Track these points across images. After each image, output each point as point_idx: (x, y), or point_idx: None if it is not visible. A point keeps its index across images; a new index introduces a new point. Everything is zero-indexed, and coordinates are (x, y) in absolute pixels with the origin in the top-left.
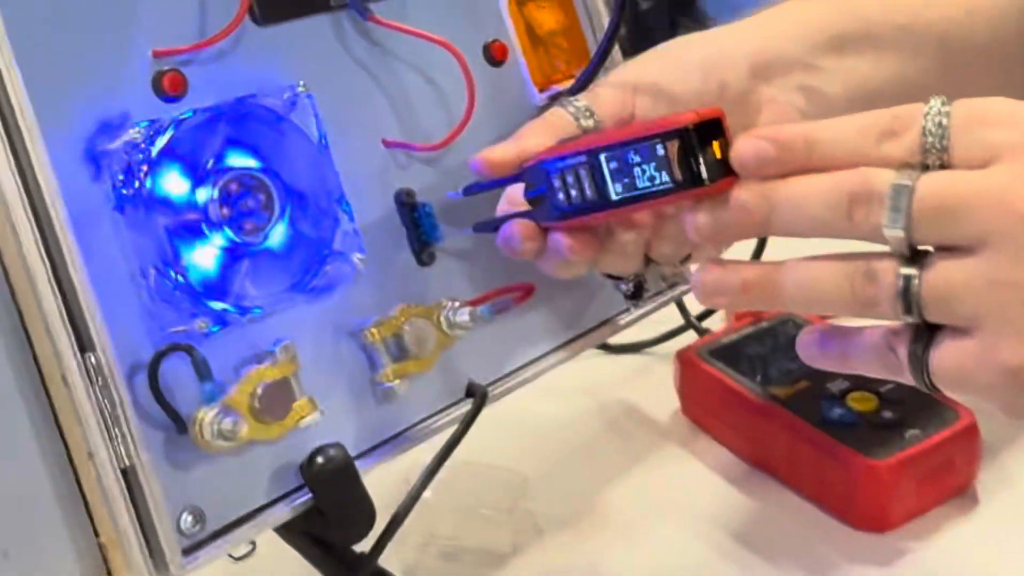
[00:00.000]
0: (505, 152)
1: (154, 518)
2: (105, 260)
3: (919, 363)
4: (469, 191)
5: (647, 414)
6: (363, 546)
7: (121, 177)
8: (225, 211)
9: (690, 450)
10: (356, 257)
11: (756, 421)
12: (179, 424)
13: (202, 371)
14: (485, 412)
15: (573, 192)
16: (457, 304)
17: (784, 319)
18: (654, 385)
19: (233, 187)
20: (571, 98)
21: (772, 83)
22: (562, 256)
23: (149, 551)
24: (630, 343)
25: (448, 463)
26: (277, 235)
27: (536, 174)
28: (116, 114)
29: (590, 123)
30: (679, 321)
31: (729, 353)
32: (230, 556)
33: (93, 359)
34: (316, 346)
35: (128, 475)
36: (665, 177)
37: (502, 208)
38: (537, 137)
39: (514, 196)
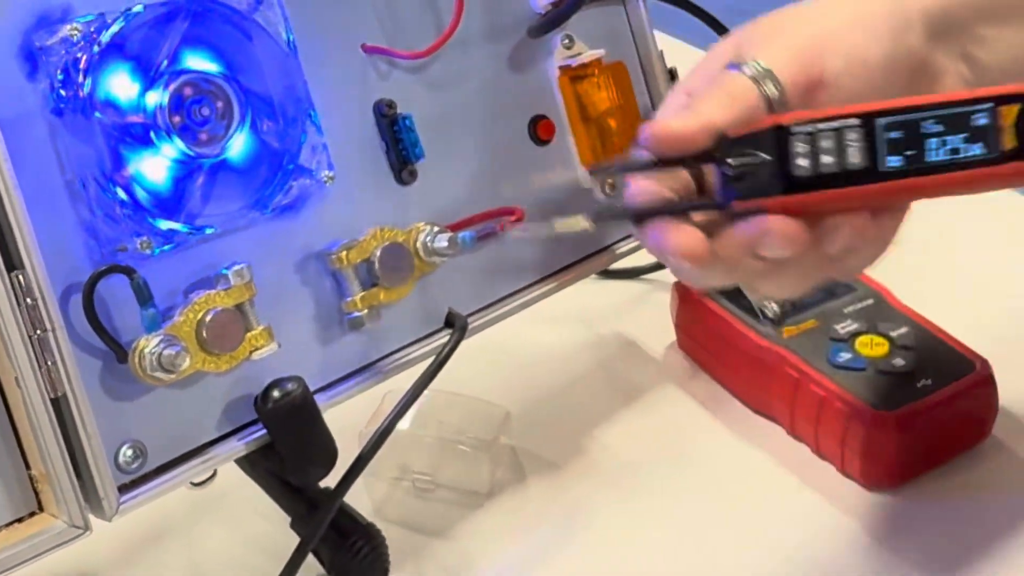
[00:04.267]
0: (686, 125)
1: (87, 451)
2: (39, 169)
3: None
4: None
5: (643, 347)
6: (329, 481)
7: (60, 76)
8: (176, 118)
9: (687, 390)
10: (324, 174)
11: (757, 362)
12: (119, 352)
13: (142, 295)
14: (470, 340)
15: (826, 159)
16: (436, 229)
17: None
18: (651, 315)
19: (187, 92)
20: (744, 59)
21: (942, 49)
22: (771, 242)
23: (81, 486)
24: (628, 268)
25: (427, 394)
26: (236, 147)
27: (758, 141)
28: (57, 6)
29: (773, 91)
30: None
31: (732, 286)
32: (190, 483)
33: (21, 278)
34: (278, 271)
35: (60, 405)
36: (977, 149)
37: (642, 193)
38: (718, 109)
39: (646, 186)
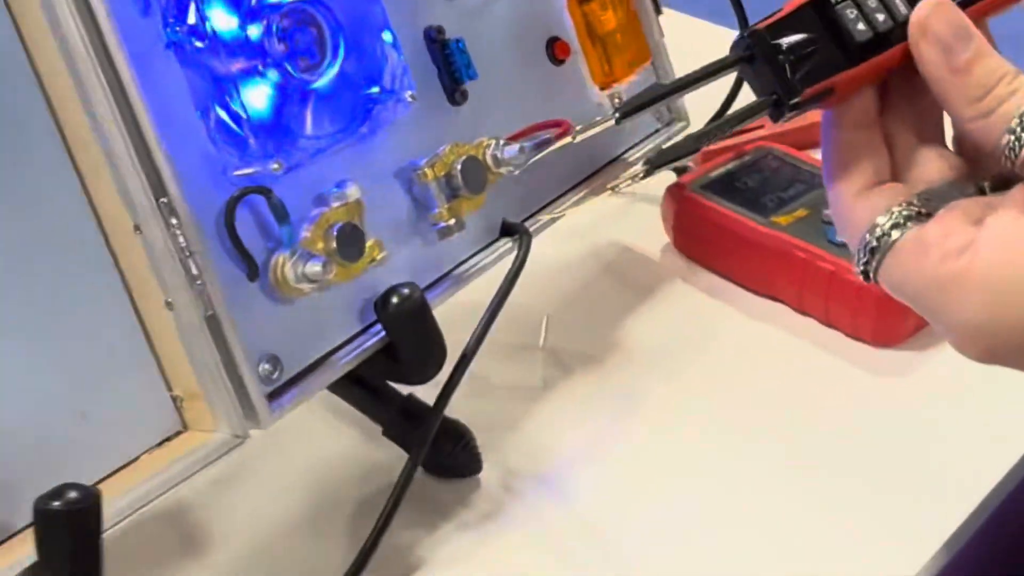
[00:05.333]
0: None
1: (240, 366)
2: (164, 101)
3: None
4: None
5: (640, 252)
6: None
7: (174, 13)
8: (281, 47)
9: (691, 283)
10: (407, 95)
11: (762, 249)
12: (252, 270)
13: (280, 213)
14: None
15: (879, 16)
16: (502, 141)
17: (763, 152)
18: (637, 223)
19: (285, 23)
20: None
21: None
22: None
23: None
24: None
25: (465, 304)
26: (332, 72)
27: (796, 23)
28: None
29: None
30: None
31: (721, 186)
32: None
33: (167, 203)
34: (373, 188)
35: (210, 324)
36: None
37: None
38: None
39: None
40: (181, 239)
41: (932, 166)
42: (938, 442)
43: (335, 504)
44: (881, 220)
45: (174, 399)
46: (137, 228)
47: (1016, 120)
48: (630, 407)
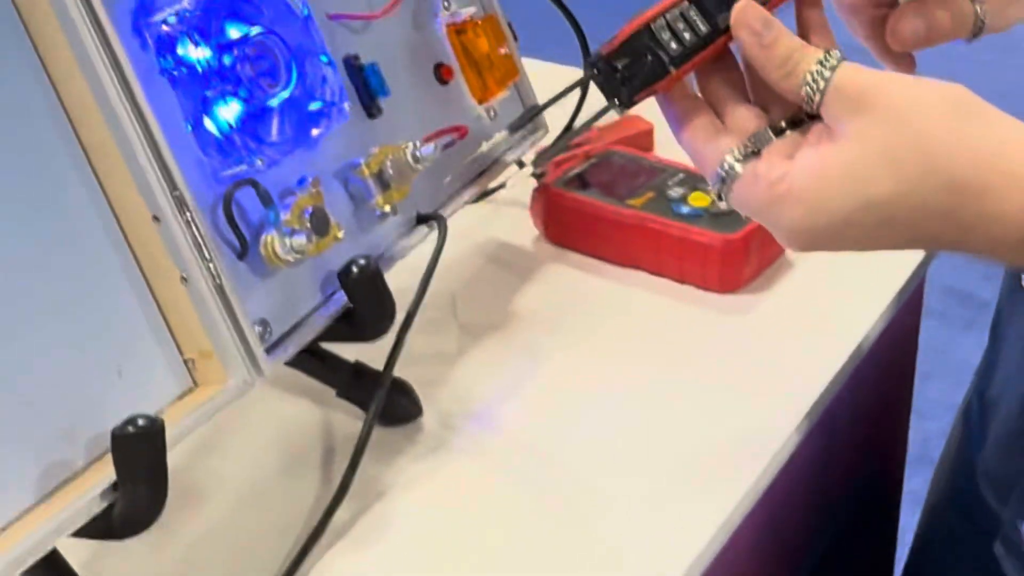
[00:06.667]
0: None
1: (244, 327)
2: (163, 118)
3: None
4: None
5: (516, 245)
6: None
7: (163, 47)
8: (250, 71)
9: (565, 263)
10: (346, 105)
11: (622, 227)
12: (244, 248)
13: (266, 199)
14: None
15: (687, 35)
16: (419, 143)
17: (608, 154)
18: (506, 224)
19: (250, 51)
20: None
21: None
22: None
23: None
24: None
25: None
26: (288, 90)
27: (628, 46)
28: None
29: None
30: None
31: (579, 183)
32: None
33: (179, 196)
34: (325, 181)
35: (218, 293)
36: None
37: None
38: None
39: None
40: (193, 225)
41: (745, 117)
42: (773, 356)
43: (305, 455)
44: (728, 158)
45: (186, 362)
46: (155, 218)
47: (808, 77)
48: (533, 358)
